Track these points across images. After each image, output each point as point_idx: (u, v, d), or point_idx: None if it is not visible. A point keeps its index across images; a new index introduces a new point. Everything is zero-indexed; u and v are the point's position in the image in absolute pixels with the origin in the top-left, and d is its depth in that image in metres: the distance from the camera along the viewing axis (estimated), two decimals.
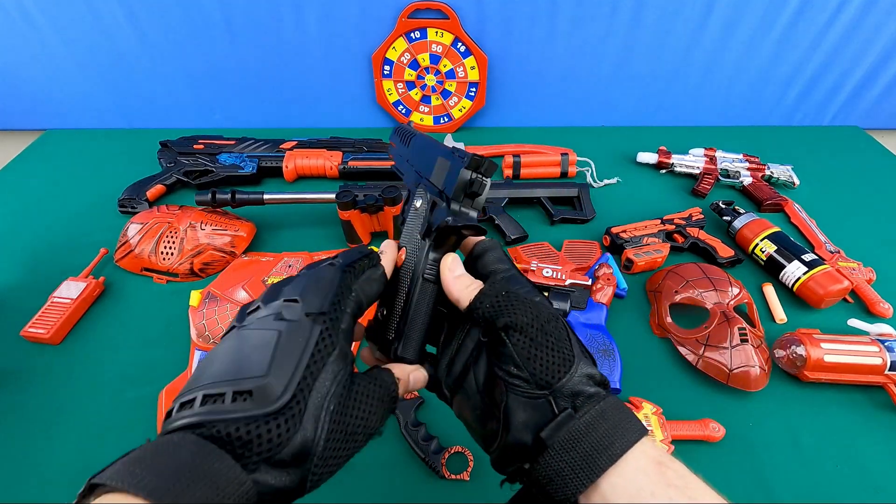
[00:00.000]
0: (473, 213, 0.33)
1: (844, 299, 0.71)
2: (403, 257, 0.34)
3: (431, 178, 0.35)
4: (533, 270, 0.69)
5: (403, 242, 0.35)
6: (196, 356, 0.61)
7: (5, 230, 0.82)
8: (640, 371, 0.62)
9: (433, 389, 0.35)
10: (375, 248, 0.33)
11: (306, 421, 0.23)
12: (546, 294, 0.67)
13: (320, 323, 0.25)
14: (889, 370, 0.58)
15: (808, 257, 0.71)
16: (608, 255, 0.74)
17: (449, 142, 0.99)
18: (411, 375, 0.31)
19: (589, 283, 0.69)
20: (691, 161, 0.95)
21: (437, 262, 0.33)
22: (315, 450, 0.23)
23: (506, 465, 0.29)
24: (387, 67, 0.98)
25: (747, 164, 0.93)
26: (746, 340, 0.59)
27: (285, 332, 0.24)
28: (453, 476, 0.52)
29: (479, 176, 0.32)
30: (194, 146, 0.94)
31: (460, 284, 0.31)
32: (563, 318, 0.31)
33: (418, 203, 0.35)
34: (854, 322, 0.63)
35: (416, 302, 0.32)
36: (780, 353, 0.62)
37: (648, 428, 0.54)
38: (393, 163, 0.43)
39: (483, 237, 0.34)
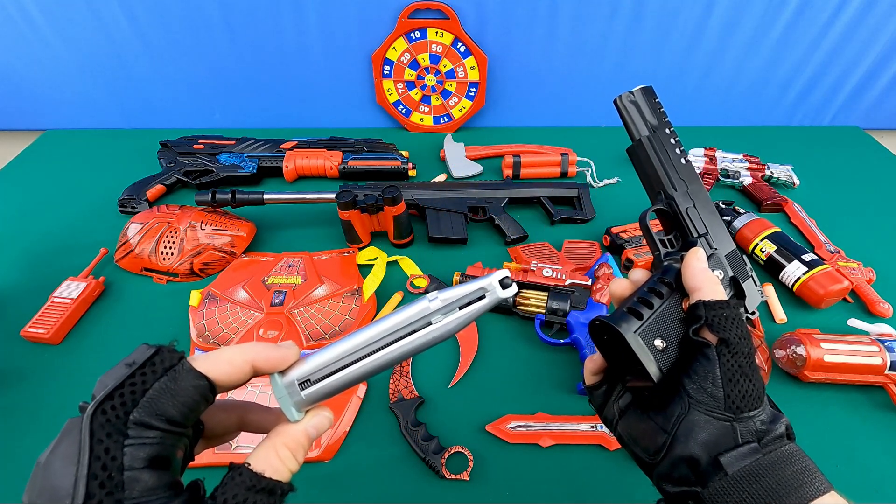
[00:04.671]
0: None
1: (844, 299, 0.71)
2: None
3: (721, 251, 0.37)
4: (533, 270, 0.69)
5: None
6: (196, 356, 0.61)
7: (5, 230, 0.82)
8: None
9: (599, 410, 0.35)
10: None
11: None
12: (546, 294, 0.67)
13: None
14: (889, 370, 0.58)
15: (808, 257, 0.71)
16: (608, 255, 0.74)
17: (449, 142, 0.99)
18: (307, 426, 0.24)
19: (589, 283, 0.69)
20: (691, 161, 0.94)
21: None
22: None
23: (671, 482, 0.28)
24: (387, 67, 0.98)
25: (747, 164, 0.93)
26: None
27: None
28: (453, 476, 0.52)
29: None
30: (194, 146, 0.94)
31: (711, 277, 0.31)
32: None
33: (716, 273, 0.35)
34: (854, 322, 0.63)
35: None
36: (780, 353, 0.62)
37: None
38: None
39: None
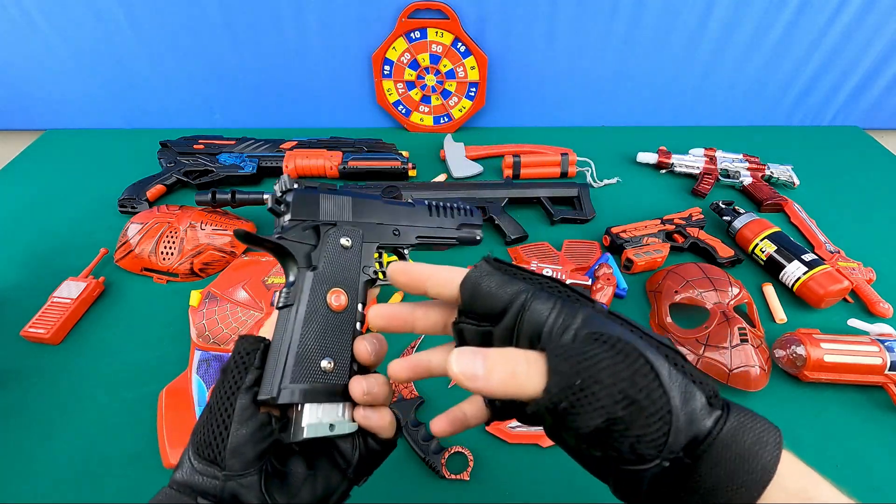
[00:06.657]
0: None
1: (844, 299, 0.71)
2: (345, 302, 0.32)
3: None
4: (533, 270, 0.70)
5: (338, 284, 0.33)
6: (196, 356, 0.61)
7: (5, 230, 0.82)
8: None
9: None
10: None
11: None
12: None
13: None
14: (889, 370, 0.58)
15: (808, 257, 0.71)
16: (608, 255, 0.74)
17: (449, 142, 0.99)
18: (364, 382, 0.29)
19: (589, 283, 0.69)
20: (691, 161, 0.95)
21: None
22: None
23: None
24: (387, 67, 0.98)
25: (747, 164, 0.93)
26: (746, 340, 0.59)
27: None
28: (453, 476, 0.52)
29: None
30: (194, 146, 0.94)
31: (504, 373, 0.23)
32: (640, 346, 0.22)
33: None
34: (854, 322, 0.63)
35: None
36: (780, 353, 0.62)
37: None
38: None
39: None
